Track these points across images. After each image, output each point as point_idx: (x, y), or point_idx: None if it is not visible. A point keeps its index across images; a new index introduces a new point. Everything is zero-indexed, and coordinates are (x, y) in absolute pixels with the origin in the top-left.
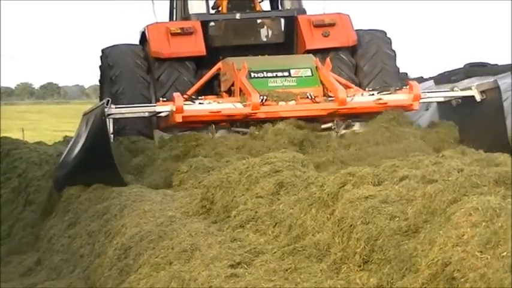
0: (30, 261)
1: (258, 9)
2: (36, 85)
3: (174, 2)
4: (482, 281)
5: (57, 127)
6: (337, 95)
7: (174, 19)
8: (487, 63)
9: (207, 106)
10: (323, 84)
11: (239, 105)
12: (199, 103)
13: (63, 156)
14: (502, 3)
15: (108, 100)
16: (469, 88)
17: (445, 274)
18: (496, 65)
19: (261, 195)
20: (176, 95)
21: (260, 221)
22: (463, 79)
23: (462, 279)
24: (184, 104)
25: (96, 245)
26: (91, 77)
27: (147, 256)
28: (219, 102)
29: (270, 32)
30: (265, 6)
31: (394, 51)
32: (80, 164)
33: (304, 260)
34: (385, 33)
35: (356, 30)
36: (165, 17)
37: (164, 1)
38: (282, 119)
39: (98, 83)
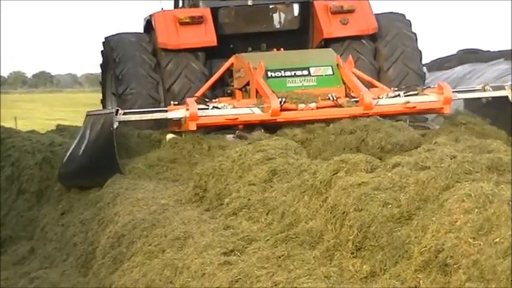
0: (24, 249)
1: None
2: (29, 74)
3: None
4: (475, 268)
5: (49, 116)
6: (363, 99)
7: (180, 5)
8: (480, 49)
9: (223, 111)
10: (345, 84)
11: (257, 110)
12: (214, 106)
13: (67, 155)
14: None
15: (117, 110)
16: (502, 88)
17: (437, 261)
18: (489, 51)
19: (254, 183)
20: (190, 100)
21: (253, 209)
22: (457, 66)
23: (455, 266)
24: (199, 109)
25: (89, 233)
26: (84, 66)
27: (140, 244)
28: (234, 106)
29: (283, 19)
30: None
31: (414, 34)
32: (83, 170)
33: (297, 247)
34: (404, 16)
35: (375, 14)
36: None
37: None
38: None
39: (90, 72)
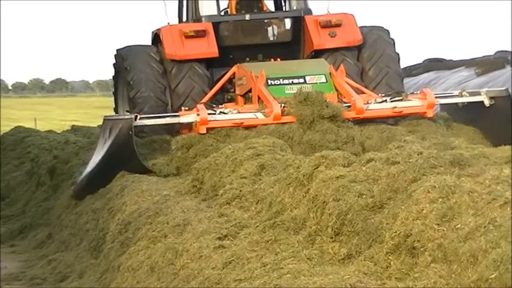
0: (42, 235)
1: (265, 9)
2: (47, 80)
3: (184, 3)
4: (439, 250)
5: (65, 117)
6: (355, 104)
7: (184, 20)
8: (444, 58)
9: (230, 116)
10: (337, 91)
11: (260, 115)
12: (221, 112)
13: (88, 166)
14: (458, 4)
15: (136, 116)
16: (479, 94)
17: (406, 244)
18: (451, 60)
19: (245, 176)
20: (200, 106)
21: (244, 199)
22: (423, 73)
23: (422, 249)
24: (208, 114)
25: (100, 220)
26: (95, 73)
27: (145, 230)
28: (239, 111)
29: (277, 32)
30: (270, 5)
31: (398, 54)
32: (105, 173)
33: (283, 232)
34: (388, 32)
35: (359, 27)
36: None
37: (173, 1)
38: None
39: (101, 79)
